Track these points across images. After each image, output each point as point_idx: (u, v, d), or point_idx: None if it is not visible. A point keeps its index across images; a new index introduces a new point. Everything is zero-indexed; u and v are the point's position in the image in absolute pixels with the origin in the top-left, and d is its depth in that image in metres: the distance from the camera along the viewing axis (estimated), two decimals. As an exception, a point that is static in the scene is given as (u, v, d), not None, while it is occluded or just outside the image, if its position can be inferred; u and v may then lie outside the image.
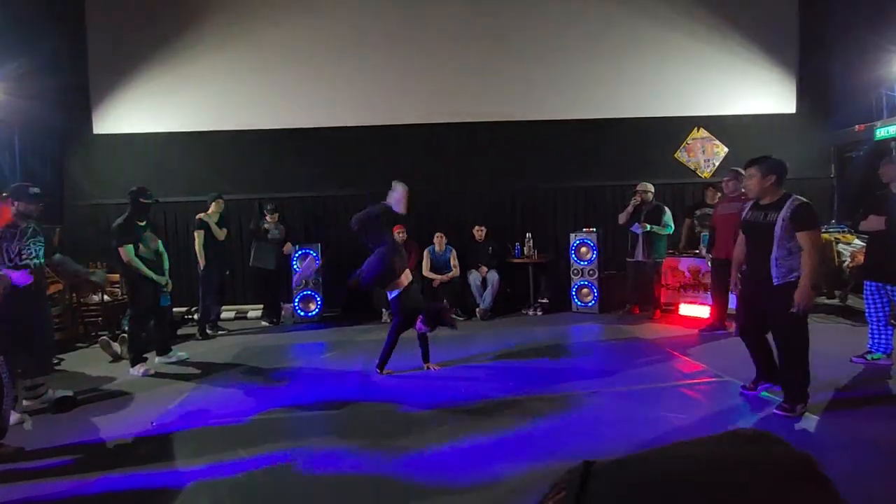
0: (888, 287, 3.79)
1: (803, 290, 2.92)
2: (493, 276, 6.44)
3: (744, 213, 3.33)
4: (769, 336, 3.26)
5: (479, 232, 6.73)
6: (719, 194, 6.01)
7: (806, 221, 2.98)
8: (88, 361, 4.94)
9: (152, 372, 4.48)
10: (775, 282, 3.02)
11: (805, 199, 3.06)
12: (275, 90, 7.10)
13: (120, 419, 3.42)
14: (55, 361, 4.71)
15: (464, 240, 6.79)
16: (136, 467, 2.75)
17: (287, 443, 2.98)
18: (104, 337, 5.13)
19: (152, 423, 3.32)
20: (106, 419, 3.44)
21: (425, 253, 6.60)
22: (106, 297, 5.97)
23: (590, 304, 6.42)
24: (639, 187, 6.04)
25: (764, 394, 3.38)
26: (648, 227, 5.85)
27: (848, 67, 6.85)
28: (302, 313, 6.50)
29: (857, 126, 6.70)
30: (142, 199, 4.56)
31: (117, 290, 6.23)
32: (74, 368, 4.75)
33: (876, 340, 3.95)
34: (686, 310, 5.86)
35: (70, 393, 3.80)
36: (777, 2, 7.34)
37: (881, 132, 6.36)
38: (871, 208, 3.87)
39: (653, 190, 6.07)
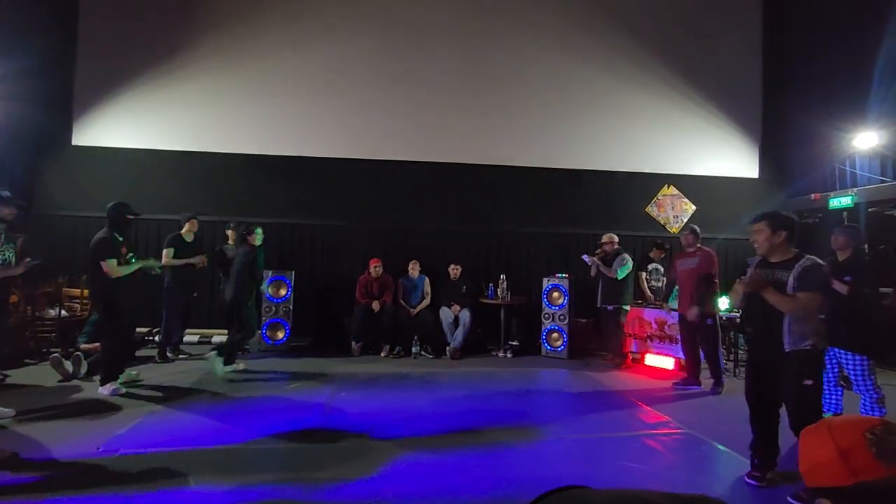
0: (833, 349, 3.97)
1: None
2: (465, 316, 6.45)
3: (748, 271, 3.14)
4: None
5: (455, 270, 6.78)
6: (662, 253, 6.55)
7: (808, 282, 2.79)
8: (36, 379, 4.68)
9: (122, 391, 4.32)
10: (787, 348, 2.85)
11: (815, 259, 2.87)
12: (258, 117, 7.16)
13: (64, 441, 3.23)
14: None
15: (438, 277, 6.82)
16: (77, 491, 2.59)
17: (239, 476, 2.87)
18: (55, 354, 4.88)
19: (98, 448, 3.16)
20: (51, 440, 3.24)
21: (399, 283, 6.62)
22: (63, 311, 5.73)
23: (559, 349, 6.48)
24: (604, 238, 6.40)
25: None
26: (597, 260, 6.18)
27: (805, 140, 7.36)
28: (269, 341, 6.36)
29: (813, 195, 7.15)
30: (127, 216, 4.49)
31: (76, 304, 5.99)
32: (20, 385, 4.50)
33: (826, 400, 4.10)
34: (652, 360, 5.98)
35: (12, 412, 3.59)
36: (744, 75, 7.91)
37: (834, 202, 6.80)
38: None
39: (616, 240, 6.37)
